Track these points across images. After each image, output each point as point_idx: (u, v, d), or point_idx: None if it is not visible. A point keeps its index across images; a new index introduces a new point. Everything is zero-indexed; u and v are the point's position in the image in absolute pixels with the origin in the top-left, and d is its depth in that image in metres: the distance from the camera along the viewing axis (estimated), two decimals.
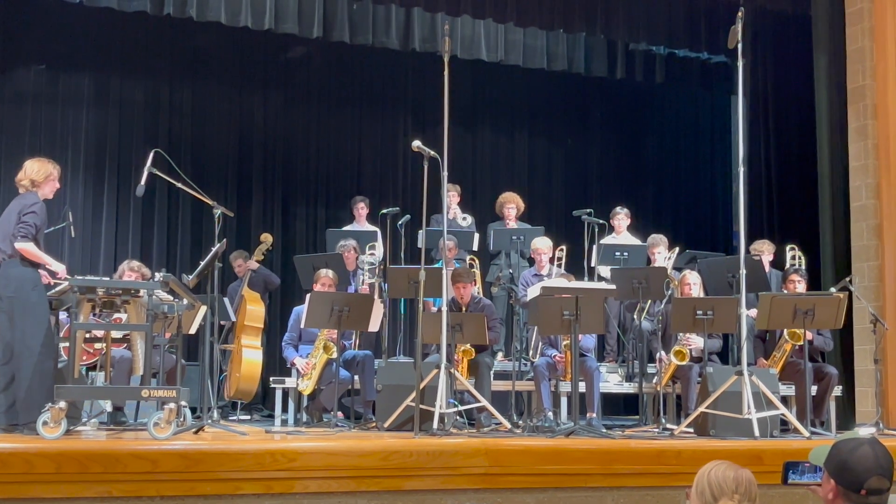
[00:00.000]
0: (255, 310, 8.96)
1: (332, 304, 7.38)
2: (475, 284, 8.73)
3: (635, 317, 8.79)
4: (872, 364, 8.46)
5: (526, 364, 8.75)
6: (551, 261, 9.31)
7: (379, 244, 9.65)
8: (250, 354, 8.80)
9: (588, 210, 9.79)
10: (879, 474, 3.15)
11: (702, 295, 8.39)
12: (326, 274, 8.27)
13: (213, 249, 6.95)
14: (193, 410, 6.88)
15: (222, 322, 9.10)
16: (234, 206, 10.87)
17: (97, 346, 7.25)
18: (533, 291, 7.52)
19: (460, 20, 11.37)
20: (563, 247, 9.57)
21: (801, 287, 8.38)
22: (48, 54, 11.10)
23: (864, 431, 3.30)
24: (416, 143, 6.76)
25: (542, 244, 9.23)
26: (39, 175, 6.39)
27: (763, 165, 12.09)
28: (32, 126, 11.05)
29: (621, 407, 10.77)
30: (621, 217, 10.19)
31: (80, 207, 10.95)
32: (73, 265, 10.24)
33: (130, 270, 7.80)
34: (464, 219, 10.16)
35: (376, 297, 8.64)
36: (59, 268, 6.34)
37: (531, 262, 9.78)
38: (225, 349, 8.92)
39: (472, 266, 9.57)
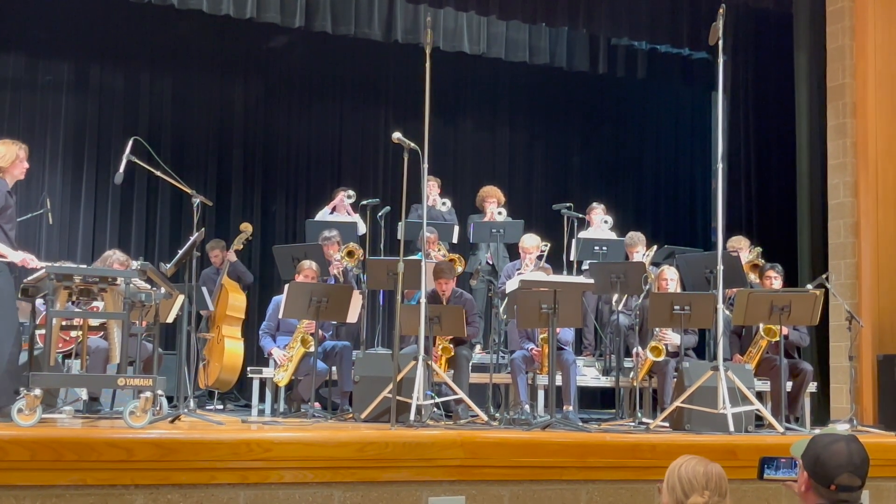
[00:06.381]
0: (236, 300, 8.93)
1: (310, 295, 7.37)
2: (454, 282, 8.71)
3: (613, 306, 8.82)
4: (847, 361, 8.53)
5: (503, 357, 8.76)
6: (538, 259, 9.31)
7: (361, 225, 9.70)
8: (232, 345, 8.78)
9: (568, 204, 9.83)
10: (851, 471, 3.18)
11: (679, 290, 8.42)
12: (310, 266, 8.24)
13: (192, 238, 6.92)
14: (170, 399, 6.87)
15: (201, 311, 9.08)
16: (214, 196, 10.83)
17: (73, 333, 7.21)
18: (511, 285, 7.53)
19: (443, 12, 11.36)
20: (548, 244, 9.57)
21: (777, 283, 8.43)
22: (27, 40, 11.02)
23: (840, 428, 3.34)
24: (397, 135, 6.74)
25: (529, 242, 9.18)
26: (5, 160, 6.25)
27: (742, 162, 12.15)
28: (11, 112, 10.97)
29: (598, 401, 10.81)
30: (598, 212, 10.26)
31: (59, 194, 10.90)
32: (51, 252, 10.21)
33: (118, 264, 7.70)
34: (443, 203, 10.15)
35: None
36: (16, 257, 6.17)
37: (510, 251, 9.84)
38: (202, 337, 8.88)
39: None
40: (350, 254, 8.95)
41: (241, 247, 9.50)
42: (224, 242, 9.78)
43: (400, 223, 7.22)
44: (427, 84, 6.79)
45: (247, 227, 9.42)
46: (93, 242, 11.05)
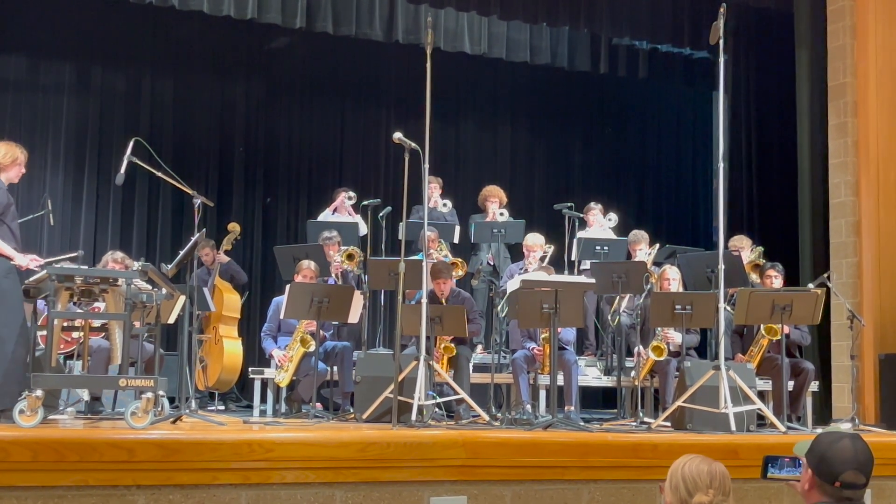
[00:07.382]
0: (231, 300, 8.93)
1: (311, 296, 7.37)
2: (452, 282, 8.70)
3: (609, 317, 8.83)
4: (849, 360, 8.52)
5: (505, 357, 8.76)
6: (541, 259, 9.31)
7: (362, 225, 9.69)
8: (231, 345, 8.79)
9: (569, 204, 9.85)
10: (855, 469, 3.18)
11: (681, 290, 8.42)
12: (308, 266, 8.25)
13: (193, 239, 6.92)
14: (171, 400, 6.87)
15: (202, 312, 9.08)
16: (215, 196, 10.83)
17: (75, 334, 7.21)
18: (512, 284, 7.52)
19: (444, 12, 11.37)
20: (551, 246, 9.58)
21: (777, 283, 8.42)
22: (29, 42, 11.02)
23: (843, 427, 3.34)
24: (398, 136, 6.73)
25: (532, 241, 9.19)
26: (5, 159, 6.29)
27: (743, 161, 12.17)
28: (13, 113, 10.97)
29: (600, 400, 10.81)
30: (595, 212, 10.26)
31: (60, 195, 10.90)
32: (52, 253, 10.18)
33: (114, 262, 7.74)
34: (444, 205, 10.14)
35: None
36: (22, 261, 6.19)
37: (511, 251, 9.84)
38: (200, 339, 8.88)
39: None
40: (350, 257, 8.94)
41: (230, 246, 9.50)
42: (213, 241, 9.73)
43: (401, 223, 7.22)
44: (428, 84, 6.78)
45: (234, 228, 9.42)
46: (94, 243, 11.03)
